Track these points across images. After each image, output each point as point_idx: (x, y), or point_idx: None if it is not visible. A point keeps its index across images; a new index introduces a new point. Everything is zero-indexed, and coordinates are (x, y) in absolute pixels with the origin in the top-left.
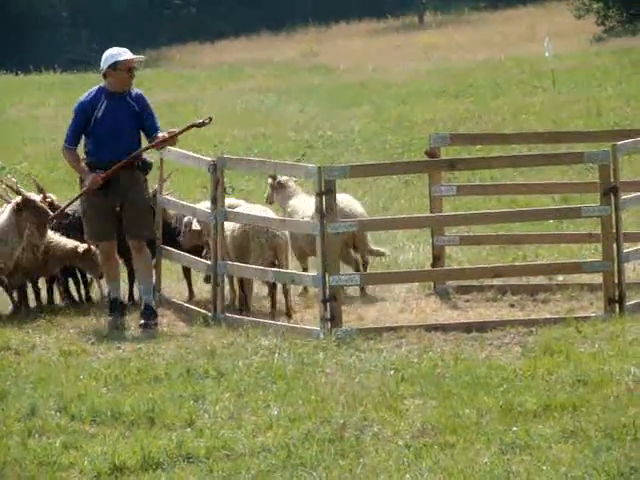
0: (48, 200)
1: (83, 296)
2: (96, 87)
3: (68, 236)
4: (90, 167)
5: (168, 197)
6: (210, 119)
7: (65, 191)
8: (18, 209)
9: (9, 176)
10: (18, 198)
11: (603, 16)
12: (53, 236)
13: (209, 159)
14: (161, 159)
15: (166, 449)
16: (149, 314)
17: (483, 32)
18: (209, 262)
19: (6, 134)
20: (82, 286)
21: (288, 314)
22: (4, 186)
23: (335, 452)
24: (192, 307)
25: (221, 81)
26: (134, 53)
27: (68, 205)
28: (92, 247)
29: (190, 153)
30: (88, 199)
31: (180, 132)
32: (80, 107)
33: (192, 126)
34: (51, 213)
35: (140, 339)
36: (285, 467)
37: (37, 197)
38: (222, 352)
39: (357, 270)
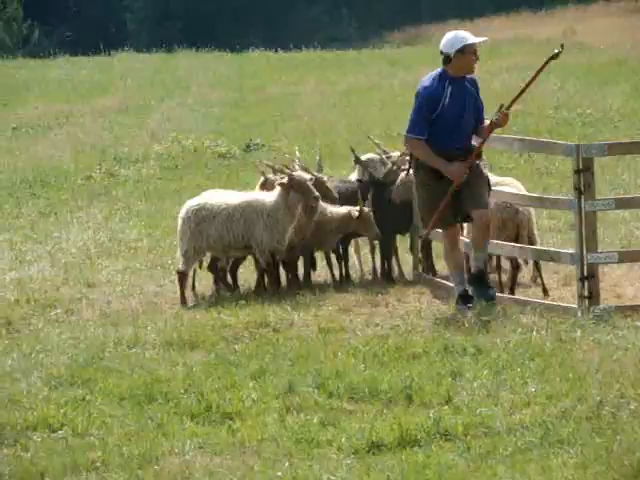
0: (320, 179)
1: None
2: (436, 71)
3: None
4: (416, 161)
5: None
6: (562, 46)
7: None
8: (286, 189)
9: (289, 157)
10: (285, 178)
11: None
12: (327, 208)
13: None
14: None
15: (423, 426)
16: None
17: None
18: (467, 240)
19: (265, 111)
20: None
21: (544, 291)
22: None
23: (592, 430)
24: (451, 284)
25: (480, 59)
26: (393, 30)
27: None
28: (365, 209)
29: None
30: (427, 188)
31: (540, 70)
32: (427, 94)
33: (549, 61)
34: (317, 194)
35: (398, 316)
36: (542, 445)
37: (307, 176)
38: (480, 329)
39: None
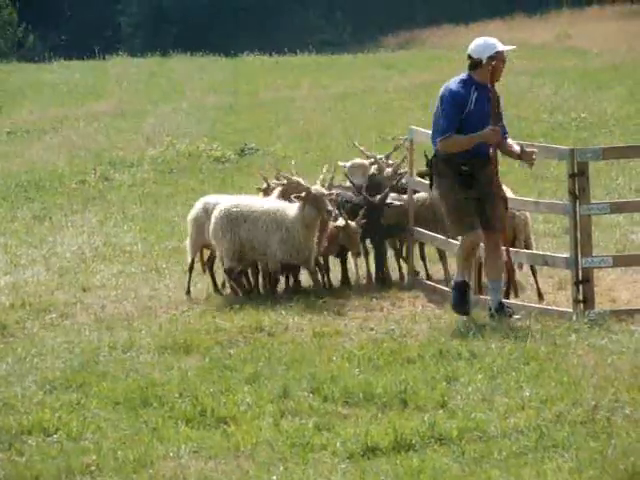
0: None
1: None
2: (462, 76)
3: None
4: (450, 163)
5: (419, 179)
6: None
7: (318, 174)
8: (303, 202)
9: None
10: (304, 192)
11: None
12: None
13: None
14: (411, 140)
15: (418, 430)
16: (503, 312)
17: None
18: None
19: (260, 115)
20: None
21: (539, 295)
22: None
23: (587, 434)
24: (445, 288)
25: None
26: (388, 34)
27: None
28: (351, 223)
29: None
30: (455, 194)
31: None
32: (456, 97)
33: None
34: (330, 209)
35: (393, 320)
36: (537, 449)
37: (324, 191)
38: (474, 333)
39: None
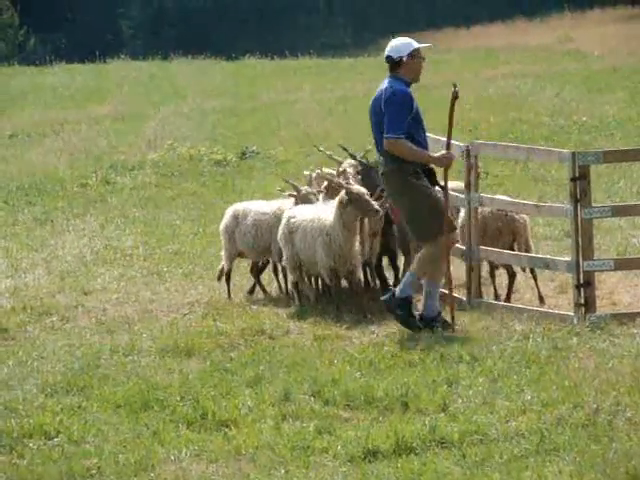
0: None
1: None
2: (393, 78)
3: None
4: (419, 166)
5: None
6: (455, 85)
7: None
8: (342, 204)
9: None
10: (342, 192)
11: None
12: None
13: (462, 144)
14: None
15: (419, 434)
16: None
17: None
18: (463, 247)
19: (261, 118)
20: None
21: (540, 299)
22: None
23: (588, 437)
24: (445, 292)
25: (476, 66)
26: (389, 38)
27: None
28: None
29: (441, 138)
30: (432, 193)
31: (452, 115)
32: (407, 97)
33: (454, 103)
34: (378, 207)
35: (393, 324)
36: (538, 452)
37: (364, 190)
38: (476, 337)
39: None
